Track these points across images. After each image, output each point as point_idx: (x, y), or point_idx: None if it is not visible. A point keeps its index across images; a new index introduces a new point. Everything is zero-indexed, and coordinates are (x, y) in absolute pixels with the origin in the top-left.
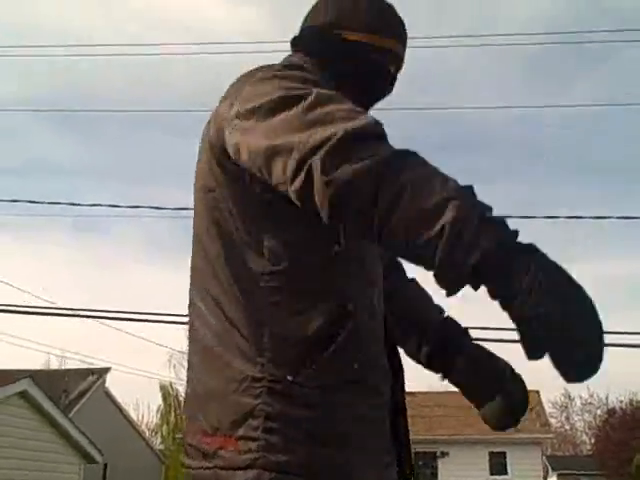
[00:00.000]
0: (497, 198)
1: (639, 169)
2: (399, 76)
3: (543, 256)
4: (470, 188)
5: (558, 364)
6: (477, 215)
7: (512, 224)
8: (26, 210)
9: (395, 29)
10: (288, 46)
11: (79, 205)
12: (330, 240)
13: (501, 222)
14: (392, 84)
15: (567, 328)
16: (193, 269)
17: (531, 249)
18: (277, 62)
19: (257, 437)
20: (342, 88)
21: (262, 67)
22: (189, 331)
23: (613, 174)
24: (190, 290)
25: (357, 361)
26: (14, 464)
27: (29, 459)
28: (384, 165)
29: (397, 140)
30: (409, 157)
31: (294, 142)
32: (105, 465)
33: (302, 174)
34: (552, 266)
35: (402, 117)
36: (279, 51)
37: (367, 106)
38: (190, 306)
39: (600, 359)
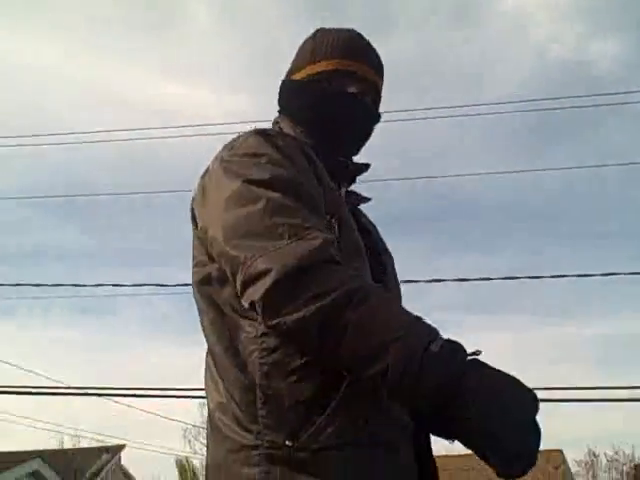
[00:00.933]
0: (498, 263)
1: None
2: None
3: (488, 376)
4: (418, 320)
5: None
6: (419, 355)
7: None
8: (30, 294)
9: (342, 50)
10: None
11: (82, 286)
12: None
13: (446, 353)
14: (363, 106)
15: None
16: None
17: (474, 372)
18: (242, 138)
19: None
20: (316, 132)
21: (228, 150)
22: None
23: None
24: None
25: (363, 417)
26: None
27: None
28: (327, 308)
29: (392, 213)
30: (354, 294)
31: (240, 259)
32: None
33: (247, 300)
34: (496, 385)
35: (394, 190)
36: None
37: (353, 143)
38: (204, 385)
39: (530, 466)
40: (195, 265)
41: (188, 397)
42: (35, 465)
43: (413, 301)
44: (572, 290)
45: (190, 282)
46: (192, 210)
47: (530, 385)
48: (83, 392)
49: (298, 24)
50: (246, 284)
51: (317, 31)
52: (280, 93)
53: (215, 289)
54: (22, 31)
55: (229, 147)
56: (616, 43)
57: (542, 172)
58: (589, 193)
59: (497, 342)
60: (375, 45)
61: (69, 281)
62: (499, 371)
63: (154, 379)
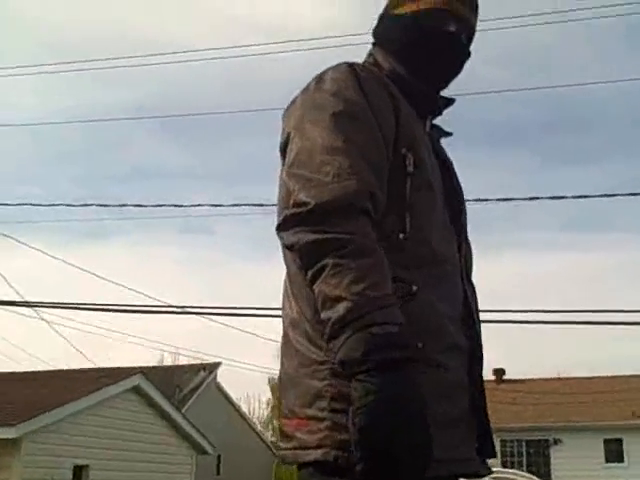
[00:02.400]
0: (608, 176)
1: None
2: (475, 37)
3: (383, 385)
4: (384, 299)
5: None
6: (357, 324)
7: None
8: (133, 214)
9: None
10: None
11: (182, 206)
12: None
13: (373, 339)
14: (459, 45)
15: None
16: None
17: (382, 374)
18: (327, 76)
19: (324, 417)
20: (411, 67)
21: (315, 83)
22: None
23: None
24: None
25: (422, 341)
26: (129, 456)
27: (143, 451)
28: (318, 244)
29: (504, 124)
30: (350, 244)
31: (290, 187)
32: (219, 457)
33: (281, 218)
34: (379, 399)
35: (504, 101)
36: (365, 43)
37: (444, 78)
38: (282, 303)
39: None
40: (279, 186)
41: (279, 316)
42: (137, 380)
43: (510, 219)
44: None
45: None
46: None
47: (625, 306)
48: (183, 311)
49: None
50: (287, 208)
51: None
52: (378, 26)
53: None
54: None
55: (317, 79)
56: None
57: None
58: None
59: (596, 262)
60: None
61: (170, 201)
62: (410, 403)
63: (250, 298)
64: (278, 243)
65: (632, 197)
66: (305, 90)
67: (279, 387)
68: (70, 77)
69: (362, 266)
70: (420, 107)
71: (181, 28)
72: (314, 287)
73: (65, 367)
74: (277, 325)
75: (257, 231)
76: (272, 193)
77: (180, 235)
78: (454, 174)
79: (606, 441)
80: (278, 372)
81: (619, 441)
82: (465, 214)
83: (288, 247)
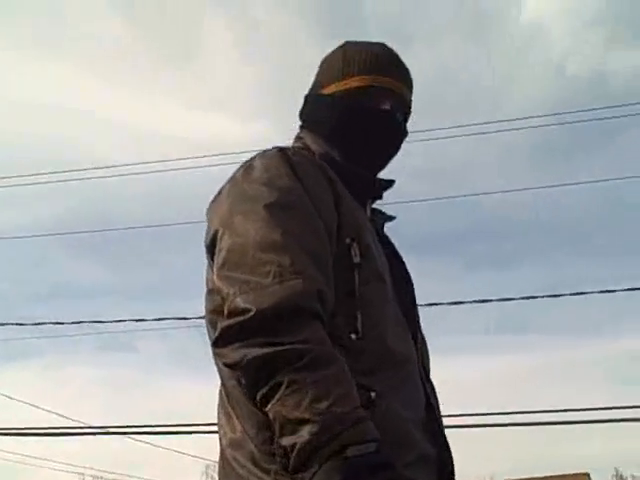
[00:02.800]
0: (523, 281)
1: None
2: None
3: None
4: (345, 416)
5: None
6: (328, 449)
7: (534, 306)
8: (52, 332)
9: (375, 65)
10: None
11: (103, 322)
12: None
13: (350, 464)
14: (395, 122)
15: None
16: None
17: None
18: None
19: None
20: (345, 148)
21: (244, 170)
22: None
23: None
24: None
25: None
26: None
27: None
28: (270, 358)
29: (417, 233)
30: (307, 355)
31: (223, 293)
32: None
33: (218, 331)
34: None
35: (418, 209)
36: None
37: (382, 159)
38: (217, 417)
39: None
40: (208, 293)
41: (210, 432)
42: None
43: (435, 324)
44: (594, 307)
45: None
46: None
47: (550, 406)
48: (104, 431)
49: (317, 46)
50: (224, 318)
51: (345, 44)
52: (305, 107)
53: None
54: (48, 68)
55: (244, 167)
56: (636, 54)
57: (562, 188)
58: (611, 207)
59: (523, 362)
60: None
61: (89, 318)
62: None
63: (176, 415)
64: (204, 357)
65: (550, 299)
66: (231, 180)
67: None
68: None
69: (323, 379)
70: (358, 192)
71: (102, 143)
72: (267, 409)
73: None
74: (206, 442)
75: (180, 346)
76: (195, 307)
77: (100, 354)
78: (401, 259)
79: None
80: None
81: None
82: (416, 303)
83: (230, 366)
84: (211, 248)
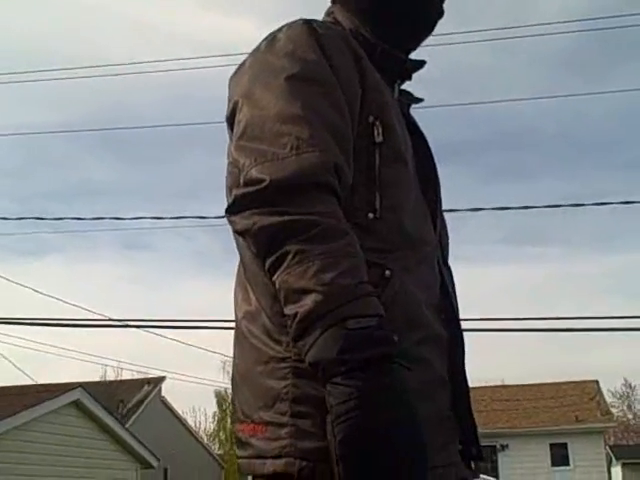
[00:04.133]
0: (542, 193)
1: None
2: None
3: (366, 389)
4: (357, 287)
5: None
6: (329, 319)
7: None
8: (72, 228)
9: None
10: None
11: (122, 219)
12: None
13: (351, 335)
14: (432, 4)
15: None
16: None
17: (364, 375)
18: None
19: (285, 423)
20: (378, 25)
21: (268, 42)
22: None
23: None
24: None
25: (399, 332)
26: (72, 472)
27: (86, 466)
28: (279, 227)
29: (439, 140)
30: (314, 228)
31: (239, 163)
32: (165, 470)
33: (232, 199)
34: (363, 406)
35: (441, 118)
36: None
37: (415, 39)
38: (234, 292)
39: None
40: (229, 164)
41: (227, 328)
42: (77, 394)
43: (453, 231)
44: (615, 219)
45: (223, 215)
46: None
47: (566, 314)
48: (124, 324)
49: None
50: (238, 186)
51: None
52: None
53: None
54: None
55: (269, 39)
56: None
57: (590, 99)
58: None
59: (538, 272)
60: None
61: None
62: (398, 408)
63: (194, 311)
64: (221, 256)
65: (573, 208)
66: (255, 51)
67: (232, 387)
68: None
69: (331, 251)
70: (388, 71)
71: (120, 43)
72: (274, 278)
73: (3, 385)
74: (222, 338)
75: (198, 245)
76: (210, 210)
77: (120, 250)
78: (426, 142)
79: (552, 445)
80: (231, 371)
81: (564, 445)
82: (439, 186)
83: (240, 233)
84: (231, 119)
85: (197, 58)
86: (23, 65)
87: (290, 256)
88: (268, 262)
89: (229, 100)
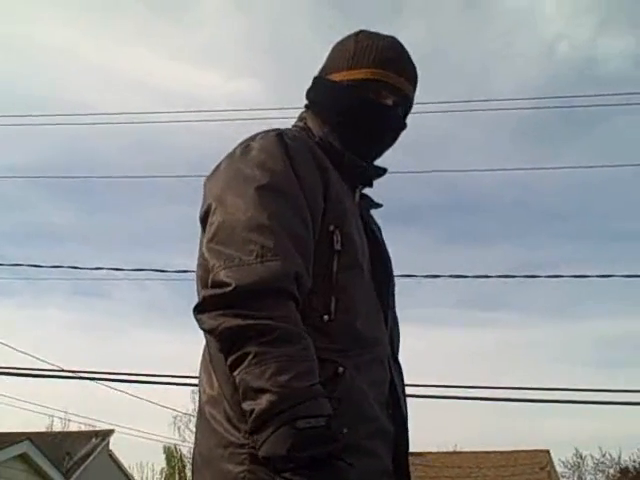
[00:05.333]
0: (497, 260)
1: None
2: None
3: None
4: (302, 390)
5: None
6: (281, 418)
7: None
8: (28, 275)
9: (383, 60)
10: (284, 113)
11: (81, 269)
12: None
13: (299, 435)
14: (395, 117)
15: None
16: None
17: (310, 472)
18: (251, 144)
19: None
20: (345, 136)
21: (241, 150)
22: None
23: (611, 236)
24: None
25: (348, 425)
26: None
27: None
28: (241, 330)
29: (397, 203)
30: (274, 332)
31: (209, 264)
32: None
33: (200, 299)
34: None
35: (404, 181)
36: (275, 118)
37: (377, 150)
38: (198, 374)
39: None
40: (199, 258)
41: (179, 384)
42: (24, 447)
43: (409, 295)
44: (568, 290)
45: (188, 269)
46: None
47: (519, 383)
48: (75, 375)
49: (308, 11)
50: (206, 287)
51: (359, 33)
52: (312, 89)
53: None
54: (38, 12)
55: (243, 146)
56: (627, 41)
57: (546, 171)
58: (594, 192)
59: (491, 339)
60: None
61: (68, 263)
62: None
63: (147, 364)
64: (180, 311)
65: (527, 279)
66: (230, 157)
67: (193, 467)
68: None
69: (287, 355)
70: (351, 178)
71: (87, 89)
72: (235, 374)
73: None
74: (174, 393)
75: (154, 298)
76: (173, 260)
77: (75, 299)
78: (383, 244)
79: None
80: (192, 450)
81: None
82: (393, 286)
83: (207, 331)
84: (204, 220)
85: (162, 113)
86: None
87: (250, 357)
88: (230, 359)
89: (203, 200)
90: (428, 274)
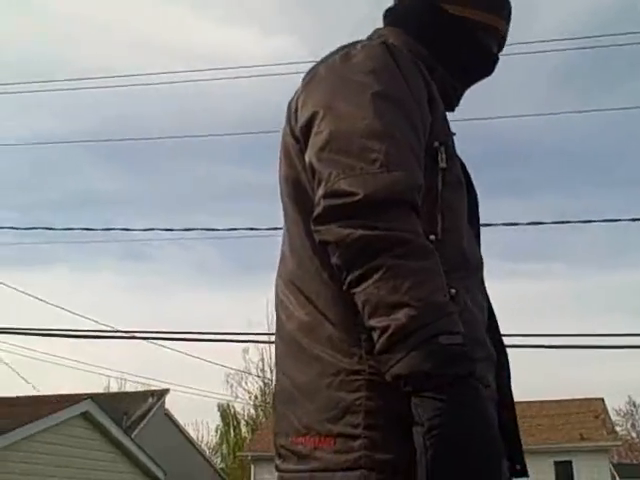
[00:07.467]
0: (536, 208)
1: None
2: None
3: (456, 404)
4: (445, 307)
5: None
6: (422, 334)
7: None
8: (81, 238)
9: (500, 5)
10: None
11: (132, 230)
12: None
13: (449, 353)
14: (494, 65)
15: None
16: (281, 260)
17: (454, 390)
18: (365, 46)
19: (359, 435)
20: (444, 66)
21: (344, 56)
22: (276, 325)
23: None
24: (276, 284)
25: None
26: None
27: (95, 478)
28: (371, 241)
29: None
30: (406, 244)
31: (323, 175)
32: None
33: (320, 209)
34: (454, 420)
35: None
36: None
37: (466, 84)
38: (276, 299)
39: None
40: (288, 166)
41: (232, 341)
42: (85, 406)
43: None
44: (620, 236)
45: (237, 227)
46: (291, 109)
47: (571, 331)
48: (131, 336)
49: None
50: (326, 197)
51: None
52: (413, 12)
53: (310, 196)
54: None
55: (342, 53)
56: None
57: (591, 114)
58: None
59: (538, 289)
60: None
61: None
62: (483, 421)
63: (199, 324)
64: (229, 270)
65: (582, 224)
66: (328, 63)
67: (281, 401)
68: (9, 99)
69: (423, 269)
70: (446, 101)
71: (126, 56)
72: (358, 289)
73: (7, 395)
74: (225, 351)
75: (203, 258)
76: (218, 220)
77: (125, 261)
78: (468, 172)
79: (556, 463)
80: (276, 384)
81: (569, 463)
82: (479, 216)
83: (328, 243)
84: (306, 129)
85: (191, 71)
86: (19, 76)
87: (383, 270)
88: (354, 274)
89: (301, 108)
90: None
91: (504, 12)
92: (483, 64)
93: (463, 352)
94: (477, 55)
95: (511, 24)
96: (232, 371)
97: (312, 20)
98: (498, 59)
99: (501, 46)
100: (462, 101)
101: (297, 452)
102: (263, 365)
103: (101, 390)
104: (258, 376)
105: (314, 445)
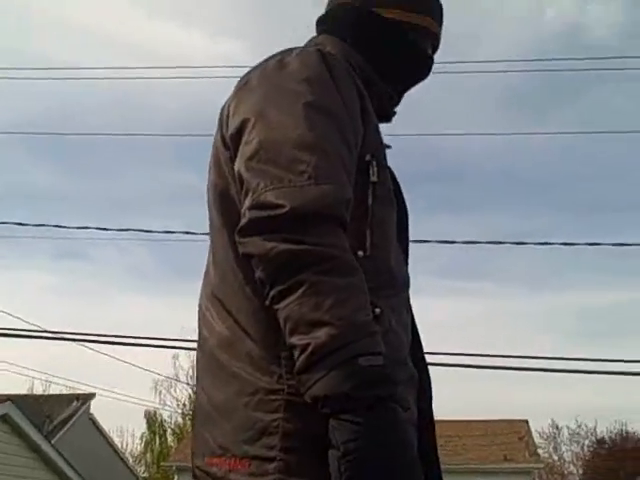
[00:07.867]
0: (481, 227)
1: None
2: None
3: (374, 428)
4: (367, 327)
5: None
6: (342, 355)
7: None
8: (11, 233)
9: (431, 6)
10: None
11: (66, 227)
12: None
13: (363, 372)
14: (430, 67)
15: None
16: (205, 272)
17: (372, 414)
18: (297, 56)
19: (274, 457)
20: (381, 72)
21: (278, 63)
22: (197, 340)
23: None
24: (200, 296)
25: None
26: None
27: None
28: (295, 256)
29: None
30: (330, 261)
31: (251, 185)
32: None
33: (246, 221)
34: (370, 445)
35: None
36: None
37: (402, 90)
38: (199, 312)
39: None
40: (217, 175)
41: (162, 347)
42: (5, 408)
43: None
44: (553, 258)
45: (172, 230)
46: (222, 115)
47: (499, 351)
48: (57, 337)
49: None
50: (252, 208)
51: None
52: (344, 16)
53: (237, 208)
54: None
55: (276, 60)
56: (612, 10)
57: (534, 136)
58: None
59: (468, 307)
60: None
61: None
62: (401, 446)
63: (129, 328)
64: (162, 274)
65: (516, 245)
66: (262, 70)
67: (198, 419)
68: None
69: (347, 286)
70: (382, 112)
71: (66, 48)
72: (280, 306)
73: None
74: (155, 357)
75: (137, 260)
76: (155, 222)
77: (57, 260)
78: (399, 186)
79: None
80: (195, 401)
81: None
82: (408, 236)
83: (251, 255)
84: (236, 137)
85: (141, 68)
86: None
87: (306, 286)
88: (277, 289)
89: (232, 115)
90: (417, 239)
91: (436, 13)
92: (420, 67)
93: (383, 374)
94: (413, 58)
95: (443, 27)
96: (161, 377)
97: (261, 24)
98: (433, 61)
99: (435, 48)
100: (412, 119)
101: (212, 474)
102: (193, 372)
103: (24, 392)
104: (187, 383)
105: (229, 467)
